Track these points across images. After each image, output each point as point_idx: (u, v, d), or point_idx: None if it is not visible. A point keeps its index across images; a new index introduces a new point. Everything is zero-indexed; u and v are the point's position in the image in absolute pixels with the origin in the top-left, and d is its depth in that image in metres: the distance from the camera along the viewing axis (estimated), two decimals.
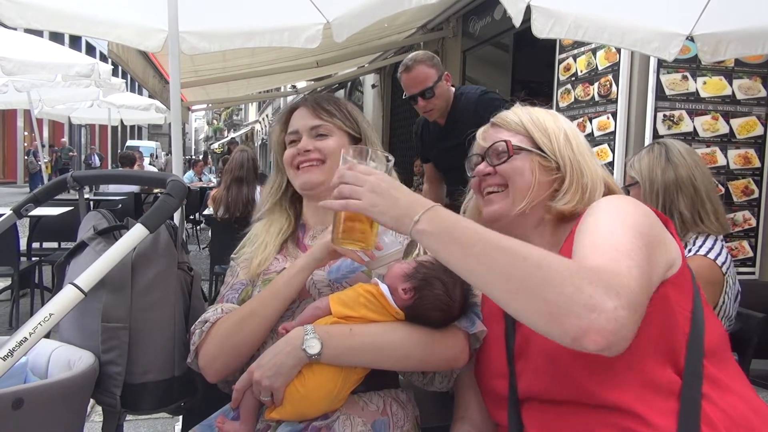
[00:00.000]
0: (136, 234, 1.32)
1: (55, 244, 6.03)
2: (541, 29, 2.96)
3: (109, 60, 6.28)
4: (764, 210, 4.19)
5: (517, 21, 2.68)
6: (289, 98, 20.71)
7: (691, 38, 3.19)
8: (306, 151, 1.48)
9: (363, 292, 1.26)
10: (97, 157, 24.87)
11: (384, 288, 1.25)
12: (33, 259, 5.27)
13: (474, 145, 1.43)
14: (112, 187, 8.10)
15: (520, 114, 1.37)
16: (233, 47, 3.65)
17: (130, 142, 30.85)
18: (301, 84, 14.28)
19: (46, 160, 17.80)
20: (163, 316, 1.43)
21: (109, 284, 1.36)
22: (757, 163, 4.16)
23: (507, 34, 6.98)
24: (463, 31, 8.31)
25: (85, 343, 1.40)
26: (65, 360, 1.38)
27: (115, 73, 8.30)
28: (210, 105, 14.11)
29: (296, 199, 1.60)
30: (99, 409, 1.43)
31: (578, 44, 4.63)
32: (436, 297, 1.24)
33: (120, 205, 6.80)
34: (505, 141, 1.31)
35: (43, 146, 16.59)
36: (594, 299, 0.89)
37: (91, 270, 1.26)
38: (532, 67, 6.86)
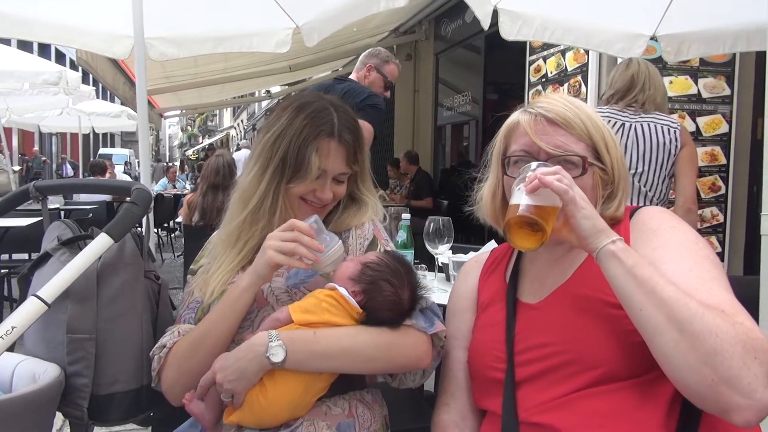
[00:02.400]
0: (100, 243, 1.30)
1: (25, 256, 5.90)
2: (508, 31, 3.00)
3: (79, 68, 6.18)
4: (731, 206, 4.28)
5: (485, 24, 2.71)
6: (264, 103, 20.54)
7: (655, 38, 3.26)
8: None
9: (324, 297, 1.25)
10: (69, 166, 24.06)
11: (342, 290, 1.25)
12: (2, 271, 5.16)
13: (516, 135, 1.25)
14: (84, 197, 7.95)
15: (580, 115, 1.22)
16: (202, 53, 3.64)
17: (102, 150, 30.29)
18: (275, 89, 14.23)
19: (16, 169, 17.40)
20: (130, 326, 1.41)
21: (73, 295, 1.34)
22: (723, 160, 4.26)
23: (478, 37, 7.05)
24: (436, 34, 8.38)
25: (51, 355, 1.37)
26: (30, 373, 1.36)
27: (85, 80, 8.18)
28: (183, 111, 13.97)
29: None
30: None
31: (548, 46, 4.69)
32: (386, 298, 1.24)
33: (91, 215, 6.68)
34: (582, 157, 1.19)
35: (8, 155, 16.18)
36: (758, 381, 0.91)
37: (55, 281, 1.25)
38: (503, 68, 6.93)
